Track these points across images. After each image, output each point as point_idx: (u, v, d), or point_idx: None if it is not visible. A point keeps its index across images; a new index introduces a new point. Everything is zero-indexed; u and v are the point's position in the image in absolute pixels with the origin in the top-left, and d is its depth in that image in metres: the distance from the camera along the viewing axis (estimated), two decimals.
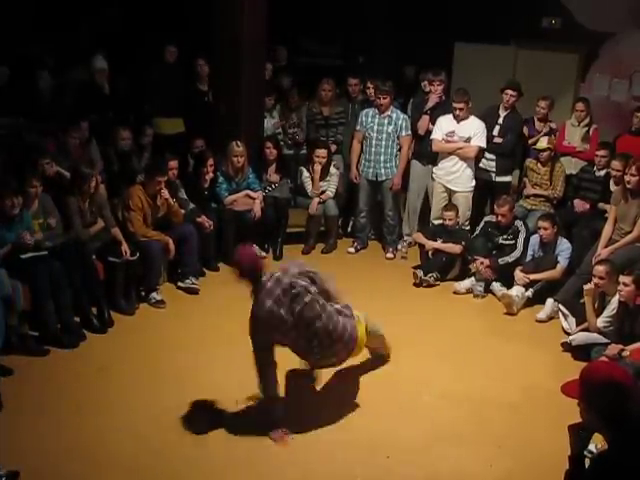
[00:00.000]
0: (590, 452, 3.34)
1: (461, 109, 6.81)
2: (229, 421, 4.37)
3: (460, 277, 6.72)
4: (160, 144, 7.32)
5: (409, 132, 7.21)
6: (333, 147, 7.66)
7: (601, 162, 6.86)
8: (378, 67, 8.84)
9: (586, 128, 7.40)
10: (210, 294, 6.22)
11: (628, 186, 5.94)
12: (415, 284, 6.64)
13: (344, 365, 4.57)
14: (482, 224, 6.84)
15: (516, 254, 6.47)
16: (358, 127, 7.29)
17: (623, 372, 2.67)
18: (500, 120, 7.13)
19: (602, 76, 8.79)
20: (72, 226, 5.63)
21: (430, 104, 7.20)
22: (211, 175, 6.81)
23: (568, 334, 5.60)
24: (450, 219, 6.77)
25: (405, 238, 7.58)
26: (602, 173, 6.88)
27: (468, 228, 7.03)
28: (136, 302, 5.91)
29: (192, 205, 6.62)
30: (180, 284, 6.29)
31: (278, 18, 7.52)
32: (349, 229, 7.95)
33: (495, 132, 7.09)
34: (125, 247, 5.76)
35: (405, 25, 9.48)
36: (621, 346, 4.90)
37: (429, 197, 7.41)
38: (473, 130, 6.88)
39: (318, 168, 7.29)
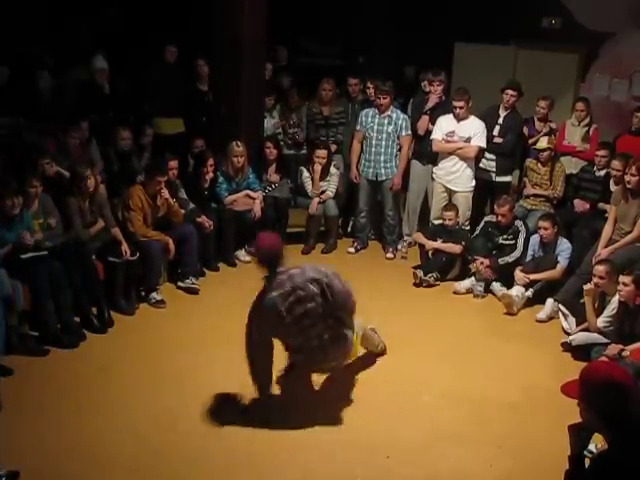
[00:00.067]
0: (590, 452, 3.34)
1: (461, 107, 6.81)
2: (229, 421, 4.36)
3: (460, 277, 6.72)
4: (160, 144, 7.33)
5: (409, 132, 7.21)
6: (333, 147, 7.66)
7: (601, 162, 6.86)
8: (378, 67, 8.83)
9: (586, 128, 7.40)
10: (210, 294, 6.22)
11: (628, 186, 5.95)
12: (415, 284, 6.64)
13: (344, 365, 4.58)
14: (482, 224, 6.84)
15: (516, 254, 6.47)
16: (358, 127, 7.29)
17: (623, 372, 2.67)
18: (500, 120, 7.13)
19: (602, 76, 8.79)
20: (72, 226, 5.63)
21: (430, 104, 7.20)
22: (211, 175, 6.81)
23: (568, 334, 5.60)
24: (450, 219, 6.77)
25: (405, 238, 7.58)
26: (602, 173, 6.88)
27: (468, 228, 7.03)
28: (136, 302, 5.91)
29: (192, 205, 6.62)
30: (180, 284, 6.29)
31: (278, 18, 7.52)
32: (349, 229, 7.95)
33: (495, 132, 7.09)
34: (125, 247, 5.76)
35: (405, 25, 9.48)
36: (621, 346, 4.90)
37: (429, 197, 7.41)
38: (473, 130, 6.88)
39: (318, 168, 7.29)
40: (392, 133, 7.15)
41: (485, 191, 7.24)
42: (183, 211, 6.38)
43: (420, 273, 6.62)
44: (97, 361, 5.03)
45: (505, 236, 6.58)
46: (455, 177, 7.01)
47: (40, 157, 5.87)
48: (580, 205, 6.95)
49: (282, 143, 7.80)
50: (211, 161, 6.76)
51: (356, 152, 7.36)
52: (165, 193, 6.07)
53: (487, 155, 7.13)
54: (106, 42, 8.44)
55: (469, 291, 6.52)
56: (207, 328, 5.58)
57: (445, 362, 5.22)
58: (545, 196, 7.10)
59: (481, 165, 7.17)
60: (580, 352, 5.27)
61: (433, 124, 7.10)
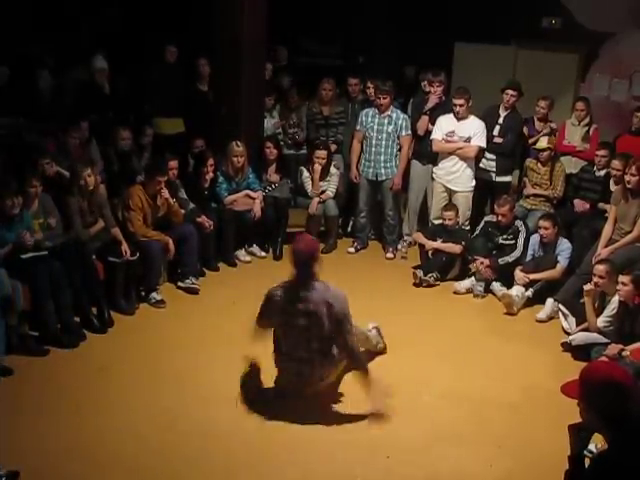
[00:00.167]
0: (590, 452, 3.34)
1: (461, 105, 6.81)
2: (229, 421, 4.37)
3: (460, 277, 6.72)
4: (160, 144, 7.32)
5: (409, 132, 7.21)
6: (333, 147, 7.66)
7: (601, 162, 6.86)
8: (378, 67, 8.84)
9: (586, 128, 7.40)
10: (210, 294, 6.22)
11: (628, 186, 5.95)
12: (415, 284, 6.64)
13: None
14: (482, 224, 6.84)
15: (516, 254, 6.47)
16: (358, 127, 7.29)
17: (623, 372, 2.67)
18: (500, 120, 7.13)
19: (602, 76, 8.80)
20: (72, 226, 5.63)
21: (430, 104, 7.20)
22: (211, 175, 6.81)
23: (568, 334, 5.60)
24: (450, 219, 6.77)
25: (405, 238, 7.58)
26: (602, 173, 6.88)
27: (468, 228, 7.03)
28: (136, 302, 5.91)
29: (192, 205, 6.62)
30: (180, 284, 6.28)
31: (278, 18, 7.52)
32: (349, 229, 7.95)
33: (495, 132, 7.09)
34: (125, 247, 5.75)
35: (405, 25, 9.48)
36: (621, 346, 4.90)
37: (429, 197, 7.41)
38: (473, 130, 6.88)
39: (318, 168, 7.29)
40: (392, 133, 7.15)
41: (485, 191, 7.24)
42: (183, 211, 6.38)
43: (420, 273, 6.62)
44: (97, 361, 5.03)
45: (505, 236, 6.58)
46: (455, 177, 7.01)
47: (40, 157, 5.87)
48: (580, 205, 6.95)
49: (282, 143, 7.80)
50: (211, 161, 6.76)
51: (356, 152, 7.36)
52: (165, 193, 6.07)
53: (487, 155, 7.13)
54: (106, 42, 8.44)
55: (469, 291, 6.52)
56: (207, 328, 5.58)
57: (445, 362, 5.22)
58: (545, 196, 7.10)
59: (481, 165, 7.17)
60: (580, 352, 5.27)
61: (433, 124, 7.09)
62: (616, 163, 6.44)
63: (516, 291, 6.22)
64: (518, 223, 6.59)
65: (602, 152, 6.87)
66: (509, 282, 6.36)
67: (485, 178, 7.17)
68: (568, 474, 2.78)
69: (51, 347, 5.10)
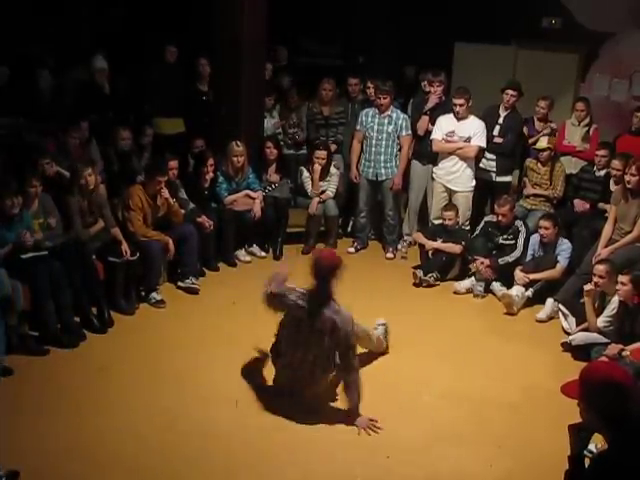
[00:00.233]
0: (590, 452, 3.34)
1: (461, 105, 6.81)
2: (229, 421, 4.37)
3: (460, 277, 6.72)
4: (160, 144, 7.32)
5: (409, 132, 7.21)
6: (333, 147, 7.65)
7: (601, 162, 6.86)
8: (378, 67, 8.84)
9: (586, 128, 7.40)
10: (210, 294, 6.22)
11: (628, 186, 5.95)
12: (415, 284, 6.64)
13: None
14: (482, 224, 6.84)
15: (516, 254, 6.47)
16: (358, 127, 7.29)
17: (623, 372, 2.67)
18: (500, 120, 7.13)
19: (602, 76, 8.80)
20: (72, 226, 5.63)
21: (430, 104, 7.20)
22: (211, 175, 6.81)
23: (568, 334, 5.60)
24: (450, 219, 6.77)
25: (405, 238, 7.58)
26: (602, 173, 6.88)
27: (468, 228, 7.03)
28: (136, 302, 5.91)
29: (192, 205, 6.61)
30: (180, 284, 6.28)
31: (278, 18, 7.52)
32: (349, 229, 7.95)
33: (495, 132, 7.09)
34: (125, 247, 5.75)
35: (405, 25, 9.49)
36: (621, 346, 4.90)
37: (429, 197, 7.41)
38: (473, 130, 6.88)
39: (318, 168, 7.28)
40: (392, 133, 7.15)
41: (485, 191, 7.24)
42: (183, 211, 6.38)
43: (420, 273, 6.62)
44: (97, 361, 5.03)
45: (505, 236, 6.58)
46: (455, 177, 7.01)
47: (40, 157, 5.87)
48: (580, 205, 6.95)
49: (282, 143, 7.80)
50: (211, 161, 6.76)
51: (356, 152, 7.36)
52: (165, 193, 6.07)
53: (487, 155, 7.13)
54: (106, 42, 8.44)
55: (469, 291, 6.53)
56: (207, 328, 5.58)
57: (445, 362, 5.22)
58: (545, 196, 7.10)
59: (481, 165, 7.17)
60: (580, 352, 5.27)
61: (433, 124, 7.09)
62: (616, 163, 6.44)
63: (516, 291, 6.22)
64: (518, 223, 6.59)
65: (602, 152, 6.87)
66: (509, 282, 6.36)
67: (485, 178, 7.17)
68: (568, 474, 2.78)
69: (51, 347, 5.10)
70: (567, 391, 2.76)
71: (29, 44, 8.24)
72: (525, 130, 7.43)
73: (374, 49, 9.96)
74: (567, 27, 8.91)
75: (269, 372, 4.71)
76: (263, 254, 7.16)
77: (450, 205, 6.93)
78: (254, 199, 7.00)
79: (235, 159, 6.93)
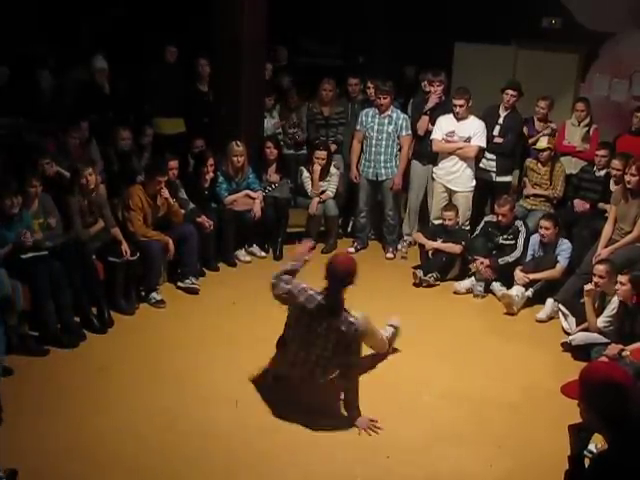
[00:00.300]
0: (590, 452, 3.35)
1: (461, 106, 6.81)
2: (229, 421, 4.37)
3: (460, 277, 6.72)
4: (160, 144, 7.32)
5: (409, 132, 7.21)
6: (333, 147, 7.66)
7: (601, 162, 6.86)
8: (378, 67, 8.85)
9: (586, 128, 7.40)
10: (210, 294, 6.22)
11: (628, 186, 5.95)
12: (415, 284, 6.64)
13: None
14: (482, 224, 6.84)
15: (516, 254, 6.47)
16: (358, 127, 7.29)
17: (623, 372, 2.67)
18: (500, 120, 7.13)
19: (602, 76, 8.80)
20: (72, 226, 5.63)
21: (430, 104, 7.20)
22: (211, 175, 6.81)
23: (568, 334, 5.60)
24: (450, 219, 6.77)
25: (405, 238, 7.58)
26: (602, 173, 6.88)
27: (468, 228, 7.03)
28: (136, 302, 5.91)
29: (192, 205, 6.61)
30: (180, 284, 6.28)
31: (278, 18, 7.52)
32: (349, 229, 7.95)
33: (495, 132, 7.09)
34: (125, 247, 5.75)
35: (405, 25, 9.48)
36: (621, 346, 4.90)
37: (429, 197, 7.41)
38: (473, 130, 6.88)
39: (317, 168, 7.28)
40: (392, 133, 7.15)
41: (485, 191, 7.24)
42: (183, 211, 6.38)
43: (420, 273, 6.62)
44: (97, 361, 5.03)
45: (505, 236, 6.58)
46: (455, 177, 7.01)
47: (40, 157, 5.87)
48: (580, 205, 6.95)
49: (282, 143, 7.80)
50: (211, 161, 6.76)
51: (356, 152, 7.36)
52: (165, 193, 6.07)
53: (487, 155, 7.13)
54: (106, 42, 8.44)
55: (469, 291, 6.53)
56: (207, 328, 5.58)
57: (445, 362, 5.23)
58: (545, 196, 7.11)
59: (481, 165, 7.17)
60: (580, 352, 5.27)
61: (433, 124, 7.09)
62: (616, 163, 6.44)
63: (516, 291, 6.22)
64: (518, 223, 6.59)
65: (602, 152, 6.87)
66: (509, 282, 6.36)
67: (485, 178, 7.17)
68: (568, 474, 2.78)
69: (51, 347, 5.10)
70: (567, 391, 2.76)
71: (29, 44, 8.25)
72: (525, 130, 7.43)
73: (374, 49, 9.96)
74: (567, 27, 8.91)
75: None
76: (263, 254, 7.16)
77: (450, 205, 6.93)
78: (254, 199, 7.01)
79: (235, 159, 6.93)
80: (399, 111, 7.29)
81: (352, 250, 7.42)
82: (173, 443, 4.14)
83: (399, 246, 7.48)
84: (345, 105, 7.90)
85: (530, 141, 7.42)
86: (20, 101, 7.28)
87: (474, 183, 7.05)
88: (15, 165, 5.81)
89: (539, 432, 4.36)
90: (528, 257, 6.47)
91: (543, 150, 7.05)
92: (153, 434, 4.21)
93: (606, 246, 6.02)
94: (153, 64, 8.18)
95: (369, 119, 7.18)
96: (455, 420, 4.51)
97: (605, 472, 2.52)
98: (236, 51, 7.16)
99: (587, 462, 2.76)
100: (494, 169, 7.16)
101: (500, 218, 6.55)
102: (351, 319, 4.26)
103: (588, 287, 5.45)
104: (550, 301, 6.04)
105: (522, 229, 6.55)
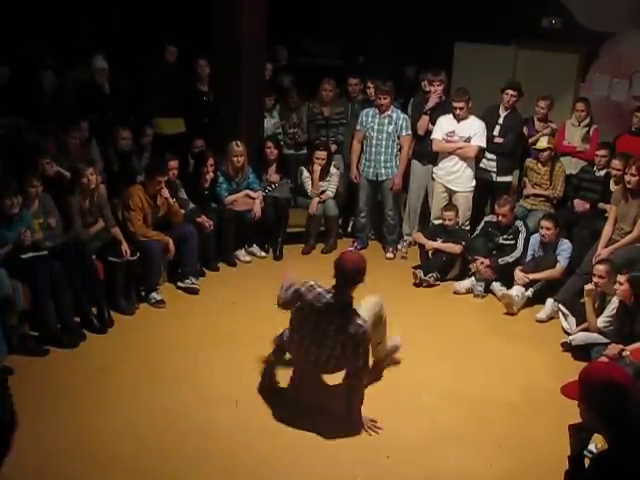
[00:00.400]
0: (590, 452, 3.35)
1: (461, 108, 6.81)
2: (229, 422, 4.37)
3: (460, 277, 6.72)
4: (160, 144, 7.32)
5: (409, 132, 7.21)
6: (333, 147, 7.66)
7: (601, 162, 6.86)
8: (378, 67, 8.84)
9: (586, 128, 7.41)
10: (210, 294, 6.22)
11: (628, 186, 5.95)
12: (415, 284, 6.64)
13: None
14: (482, 224, 6.84)
15: (516, 254, 6.47)
16: (358, 127, 7.29)
17: (623, 373, 2.67)
18: (500, 120, 7.13)
19: (602, 76, 8.80)
20: (72, 226, 5.63)
21: (430, 104, 7.19)
22: (211, 175, 6.81)
23: (568, 334, 5.60)
24: (450, 219, 6.77)
25: (405, 238, 7.58)
26: (602, 173, 6.88)
27: (468, 228, 7.03)
28: (136, 302, 5.90)
29: (192, 205, 6.61)
30: (180, 284, 6.28)
31: (278, 18, 7.52)
32: (349, 229, 7.95)
33: (495, 132, 7.09)
34: (125, 247, 5.75)
35: (405, 25, 9.49)
36: (621, 346, 4.89)
37: (429, 197, 7.41)
38: (473, 130, 6.88)
39: (317, 168, 7.28)
40: (392, 133, 7.15)
41: (485, 191, 7.24)
42: (183, 211, 6.38)
43: (420, 273, 6.62)
44: (97, 361, 5.03)
45: (505, 236, 6.58)
46: (455, 177, 7.01)
47: (40, 157, 5.87)
48: (580, 205, 6.95)
49: (282, 143, 7.80)
50: (211, 161, 6.76)
51: (356, 152, 7.36)
52: (165, 193, 6.07)
53: (487, 155, 7.13)
54: (106, 42, 8.44)
55: (469, 291, 6.53)
56: (207, 328, 5.58)
57: (445, 362, 5.23)
58: (545, 196, 7.11)
59: (481, 165, 7.17)
60: (580, 352, 5.27)
61: (433, 124, 7.09)
62: (616, 163, 6.45)
63: (516, 291, 6.22)
64: (518, 223, 6.59)
65: (602, 152, 6.87)
66: (509, 282, 6.37)
67: (485, 178, 7.17)
68: (568, 474, 2.78)
69: (51, 347, 5.10)
70: (567, 392, 2.76)
71: (29, 44, 8.25)
72: (525, 130, 7.43)
73: (374, 49, 9.96)
74: (567, 27, 8.91)
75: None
76: (263, 254, 7.16)
77: (450, 205, 6.93)
78: (254, 199, 7.01)
79: (235, 159, 6.93)
80: (399, 111, 7.29)
81: (352, 250, 7.42)
82: (173, 443, 4.14)
83: (399, 246, 7.48)
84: (345, 105, 7.90)
85: (530, 141, 7.42)
86: (20, 101, 7.28)
87: (474, 183, 7.05)
88: (15, 165, 5.80)
89: (539, 432, 4.36)
90: (528, 257, 6.47)
91: (543, 150, 7.05)
92: (153, 434, 4.20)
93: (606, 246, 6.02)
94: (153, 64, 8.18)
95: (369, 119, 7.18)
96: (455, 420, 4.51)
97: (605, 472, 2.52)
98: (236, 51, 7.16)
99: (587, 462, 2.76)
100: (494, 169, 7.16)
101: (500, 218, 6.55)
102: (359, 321, 4.23)
103: (588, 287, 5.45)
104: (550, 301, 6.04)
105: (522, 229, 6.55)
